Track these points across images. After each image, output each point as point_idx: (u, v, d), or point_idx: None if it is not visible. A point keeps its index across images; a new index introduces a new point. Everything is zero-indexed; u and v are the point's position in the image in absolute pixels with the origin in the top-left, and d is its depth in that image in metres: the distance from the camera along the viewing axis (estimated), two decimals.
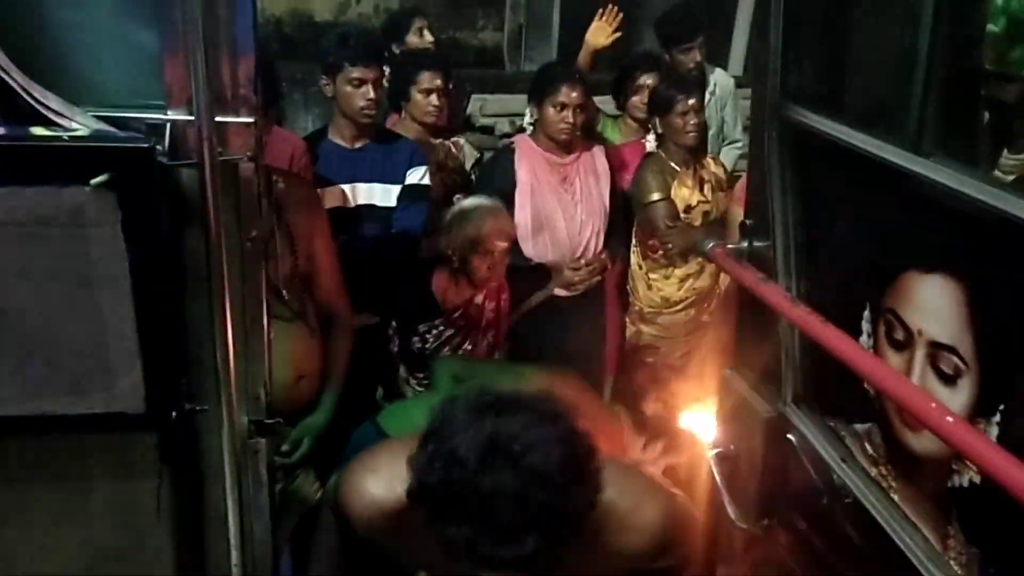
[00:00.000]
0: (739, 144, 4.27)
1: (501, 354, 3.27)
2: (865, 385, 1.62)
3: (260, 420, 1.70)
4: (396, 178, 3.15)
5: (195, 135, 1.47)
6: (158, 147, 1.45)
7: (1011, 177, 2.15)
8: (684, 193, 3.63)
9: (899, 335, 1.52)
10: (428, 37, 4.07)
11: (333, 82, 3.07)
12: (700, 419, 2.30)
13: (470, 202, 3.14)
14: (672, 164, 3.62)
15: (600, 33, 3.83)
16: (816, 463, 1.75)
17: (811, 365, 1.84)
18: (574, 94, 3.36)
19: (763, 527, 1.89)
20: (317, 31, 4.99)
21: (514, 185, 3.41)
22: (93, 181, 1.38)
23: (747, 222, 1.89)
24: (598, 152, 3.61)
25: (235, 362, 1.59)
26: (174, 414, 1.56)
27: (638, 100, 3.77)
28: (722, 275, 3.49)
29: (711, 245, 1.91)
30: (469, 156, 3.75)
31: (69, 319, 1.47)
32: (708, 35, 4.18)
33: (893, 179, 1.47)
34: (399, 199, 3.14)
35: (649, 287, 3.73)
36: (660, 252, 3.67)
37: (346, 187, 3.09)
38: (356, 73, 3.02)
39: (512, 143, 3.60)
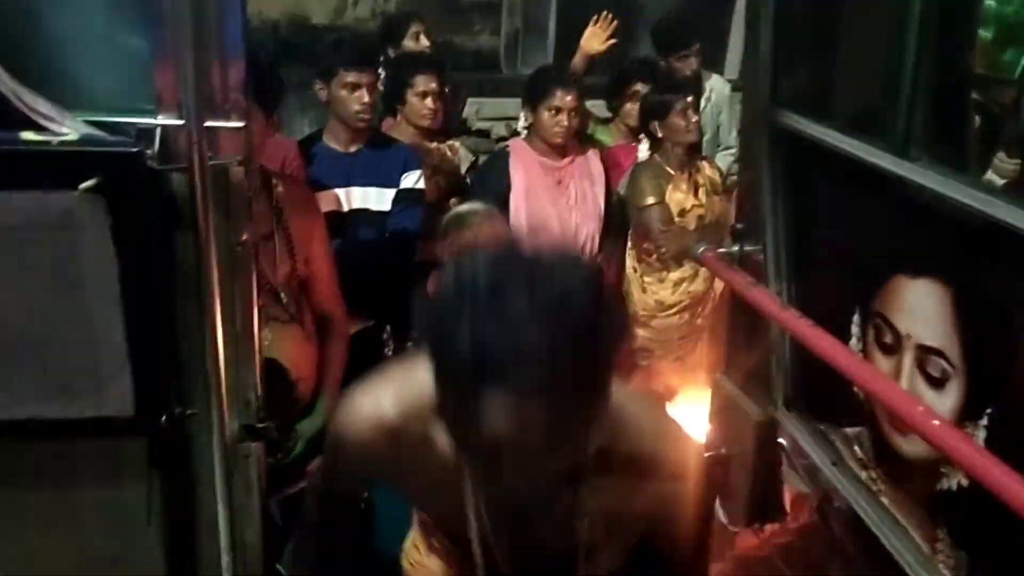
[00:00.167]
0: (733, 150, 4.28)
1: None
2: (854, 389, 1.62)
3: (251, 424, 1.70)
4: (391, 182, 3.15)
5: (185, 139, 1.47)
6: (148, 151, 1.45)
7: (1004, 181, 2.15)
8: (679, 197, 3.63)
9: (888, 339, 1.52)
10: (424, 41, 4.07)
11: (327, 86, 3.08)
12: (692, 422, 2.31)
13: (466, 207, 3.14)
14: (667, 168, 3.62)
15: (595, 39, 3.84)
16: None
17: (801, 369, 1.85)
18: (568, 98, 3.36)
19: (754, 530, 1.89)
20: (314, 35, 4.99)
21: (509, 189, 3.41)
22: (82, 185, 1.38)
23: (738, 226, 1.90)
24: (592, 156, 3.62)
25: (225, 366, 1.59)
26: (164, 418, 1.56)
27: (631, 107, 3.78)
28: (716, 279, 3.49)
29: (702, 249, 1.92)
30: (464, 160, 3.75)
31: (58, 323, 1.47)
32: (704, 42, 4.19)
33: (881, 183, 1.48)
34: (394, 203, 3.15)
35: (644, 290, 3.73)
36: (654, 256, 3.67)
37: (341, 191, 3.09)
38: (350, 77, 3.02)
39: (507, 147, 3.61)
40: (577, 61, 3.86)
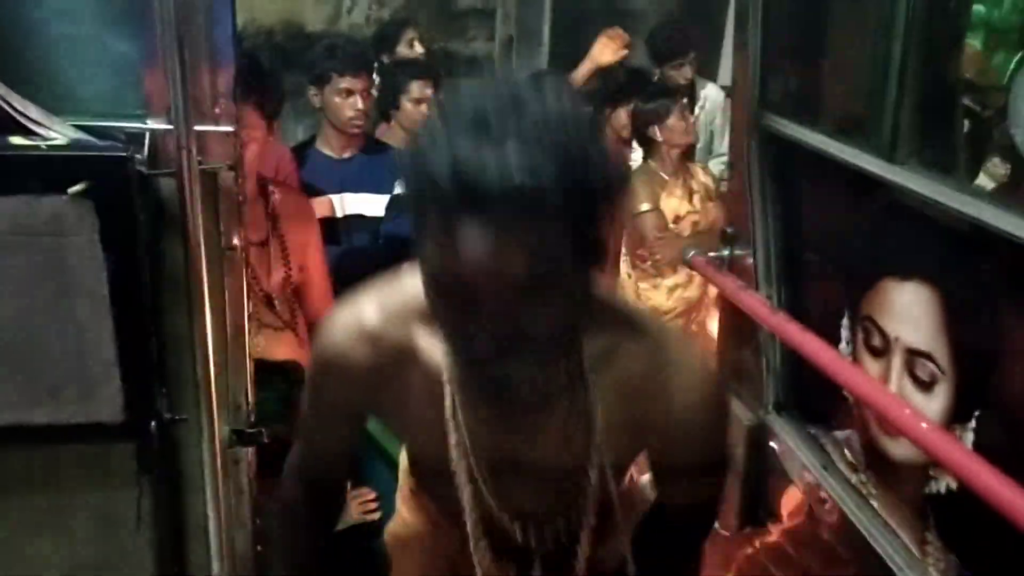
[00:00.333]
0: (725, 157, 4.30)
1: None
2: (844, 392, 1.62)
3: (241, 429, 1.70)
4: (385, 188, 3.15)
5: (174, 144, 1.47)
6: (137, 156, 1.45)
7: (995, 185, 2.16)
8: (673, 203, 3.64)
9: (876, 342, 1.53)
10: (419, 48, 4.08)
11: (321, 93, 3.08)
12: None
13: None
14: (661, 174, 3.63)
15: (607, 50, 3.83)
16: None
17: (792, 372, 1.85)
18: None
19: (746, 534, 1.89)
20: (309, 41, 5.00)
21: None
22: (71, 190, 1.38)
23: (728, 230, 1.90)
24: None
25: (216, 371, 1.59)
26: (153, 424, 1.55)
27: (623, 116, 3.80)
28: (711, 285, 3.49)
29: (692, 253, 1.92)
30: None
31: (46, 328, 1.47)
32: (698, 49, 4.20)
33: (869, 187, 1.48)
34: (388, 209, 3.15)
35: (638, 296, 3.73)
36: (649, 262, 3.68)
37: (335, 197, 3.09)
38: (344, 83, 3.03)
39: None
40: (582, 71, 3.86)
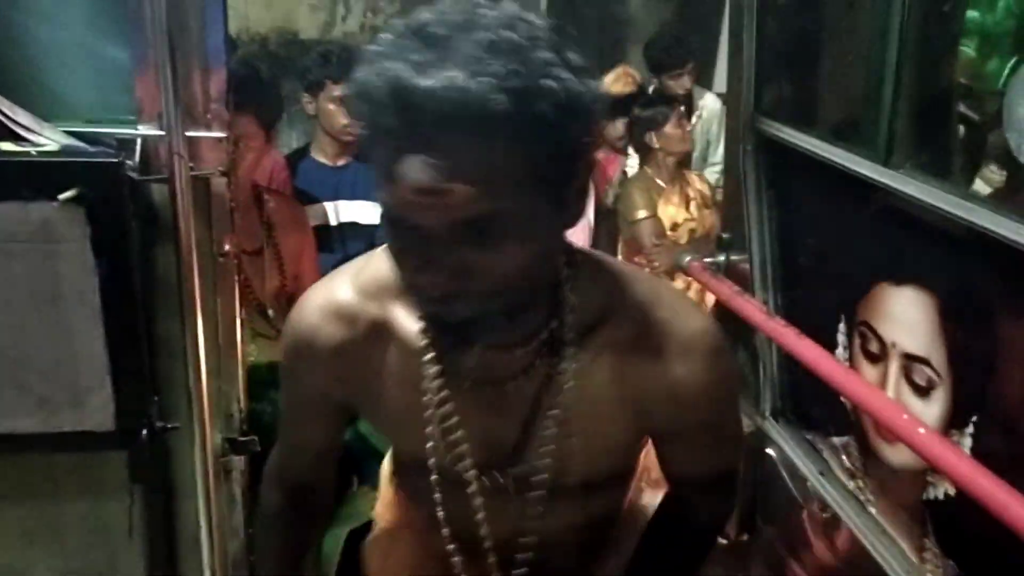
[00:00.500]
0: (721, 165, 4.30)
1: None
2: (842, 398, 1.61)
3: (234, 438, 1.69)
4: None
5: (166, 150, 1.46)
6: (128, 162, 1.44)
7: (991, 190, 2.15)
8: (670, 211, 3.64)
9: (873, 347, 1.52)
10: None
11: (315, 100, 3.07)
12: None
13: None
14: (658, 181, 3.63)
15: (619, 83, 3.85)
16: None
17: (789, 378, 1.84)
18: None
19: (743, 542, 1.88)
20: (303, 48, 5.00)
21: None
22: (61, 196, 1.38)
23: (723, 236, 1.90)
24: None
25: (208, 379, 1.58)
26: (145, 432, 1.54)
27: (616, 125, 3.80)
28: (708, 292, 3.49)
29: (688, 259, 1.91)
30: None
31: (37, 336, 1.46)
32: (698, 60, 4.20)
33: (865, 192, 1.48)
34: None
35: None
36: (647, 269, 3.67)
37: (329, 205, 3.08)
38: (339, 91, 3.02)
39: None
40: None
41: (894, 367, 1.47)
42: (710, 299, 3.56)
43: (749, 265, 1.82)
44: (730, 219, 1.90)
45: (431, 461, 1.05)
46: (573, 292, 0.96)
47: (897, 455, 1.51)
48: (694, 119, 4.02)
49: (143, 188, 1.48)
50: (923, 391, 1.41)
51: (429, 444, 1.03)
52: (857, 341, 1.57)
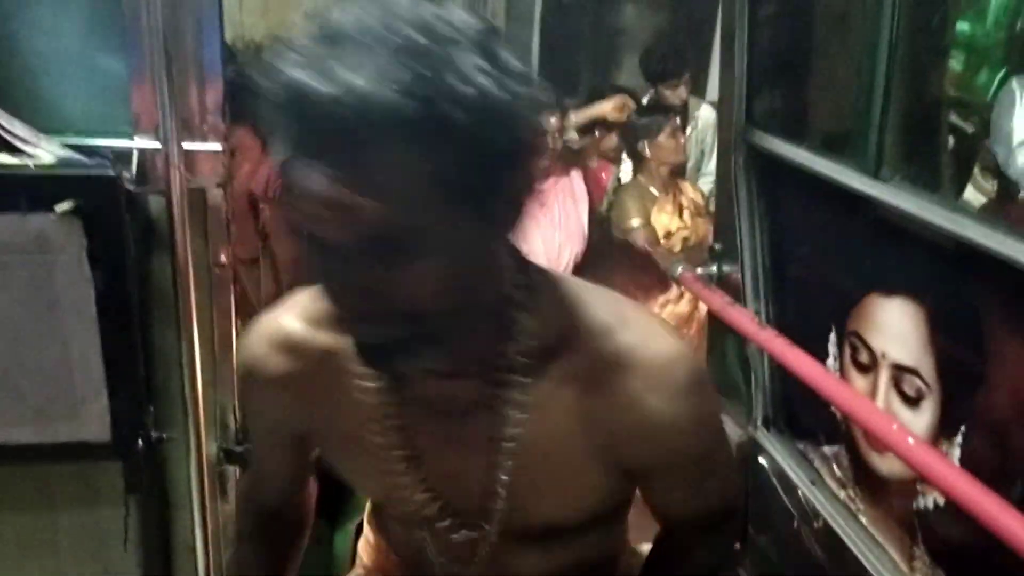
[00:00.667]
0: (714, 176, 4.32)
1: None
2: (833, 408, 1.63)
3: (229, 448, 1.69)
4: None
5: (163, 162, 1.47)
6: (125, 174, 1.45)
7: (983, 201, 2.17)
8: (664, 219, 3.65)
9: (863, 358, 1.53)
10: None
11: None
12: None
13: None
14: (651, 190, 3.65)
15: (616, 111, 3.86)
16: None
17: (780, 388, 1.85)
18: (552, 119, 3.39)
19: (736, 551, 1.89)
20: None
21: None
22: (58, 208, 1.39)
23: (716, 246, 1.91)
24: (575, 176, 3.64)
25: (203, 390, 1.59)
26: (140, 442, 1.55)
27: (615, 137, 3.82)
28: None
29: (680, 269, 1.93)
30: None
31: (34, 347, 1.47)
32: (694, 70, 4.22)
33: (854, 203, 1.49)
34: None
35: None
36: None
37: None
38: None
39: None
40: (584, 116, 3.88)
41: (884, 377, 1.49)
42: (703, 309, 3.58)
43: (741, 275, 1.83)
44: (722, 230, 1.91)
45: (387, 501, 0.99)
46: (527, 314, 0.87)
47: (887, 465, 1.52)
48: (689, 129, 4.04)
49: (139, 200, 1.49)
50: (912, 401, 1.42)
51: (385, 482, 0.96)
52: (848, 351, 1.58)
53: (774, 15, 1.77)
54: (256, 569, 1.16)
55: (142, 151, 1.50)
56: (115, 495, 1.62)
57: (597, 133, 3.91)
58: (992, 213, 1.92)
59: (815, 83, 1.74)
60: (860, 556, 1.56)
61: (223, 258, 1.59)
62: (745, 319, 1.75)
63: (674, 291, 3.69)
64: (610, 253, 3.75)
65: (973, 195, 2.07)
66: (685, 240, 3.67)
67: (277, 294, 2.40)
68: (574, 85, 4.69)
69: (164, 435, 1.58)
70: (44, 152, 1.40)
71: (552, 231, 3.51)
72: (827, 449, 1.71)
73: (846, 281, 1.59)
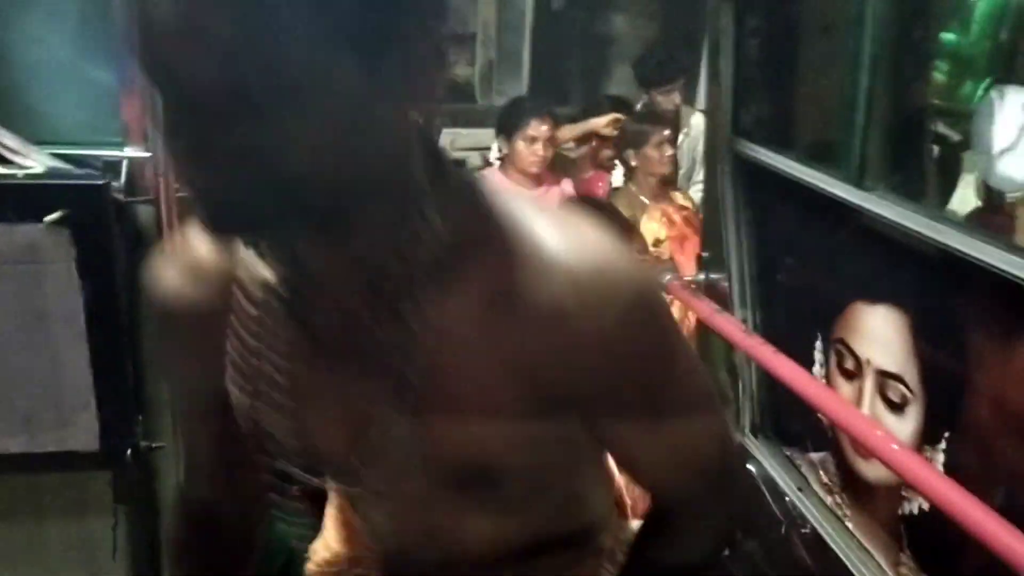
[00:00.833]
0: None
1: None
2: (819, 414, 1.64)
3: None
4: None
5: (152, 171, 1.48)
6: (114, 184, 1.46)
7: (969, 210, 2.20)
8: (653, 227, 3.67)
9: (849, 364, 1.55)
10: None
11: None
12: None
13: None
14: (641, 198, 3.66)
15: (608, 127, 3.88)
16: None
17: (768, 395, 1.87)
18: (544, 127, 3.41)
19: (724, 557, 1.89)
20: None
21: None
22: (47, 218, 1.39)
23: (703, 254, 1.93)
24: (567, 184, 3.66)
25: None
26: (129, 452, 1.55)
27: (603, 142, 3.84)
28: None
29: (668, 277, 1.94)
30: None
31: (23, 357, 1.47)
32: (688, 77, 4.25)
33: (839, 212, 1.51)
34: None
35: None
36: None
37: None
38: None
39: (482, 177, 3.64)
40: (576, 131, 3.90)
41: (869, 384, 1.50)
42: (691, 317, 3.60)
43: (728, 283, 1.85)
44: (709, 238, 1.93)
45: (287, 453, 0.83)
46: (436, 211, 0.71)
47: (873, 471, 1.53)
48: (681, 137, 4.06)
49: (129, 209, 1.50)
50: (897, 407, 1.44)
51: (279, 426, 0.80)
52: (833, 358, 1.60)
53: (760, 27, 1.79)
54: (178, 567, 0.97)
55: (131, 161, 1.50)
56: (104, 504, 1.62)
57: (594, 143, 3.93)
58: (979, 219, 1.94)
59: (800, 94, 1.76)
60: (847, 561, 1.57)
61: None
62: (732, 327, 1.77)
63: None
64: None
65: (973, 200, 2.09)
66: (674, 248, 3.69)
67: None
68: (565, 94, 4.72)
69: (153, 444, 1.58)
70: (34, 162, 1.41)
71: None
72: (814, 455, 1.72)
73: (831, 289, 1.60)
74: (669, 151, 3.58)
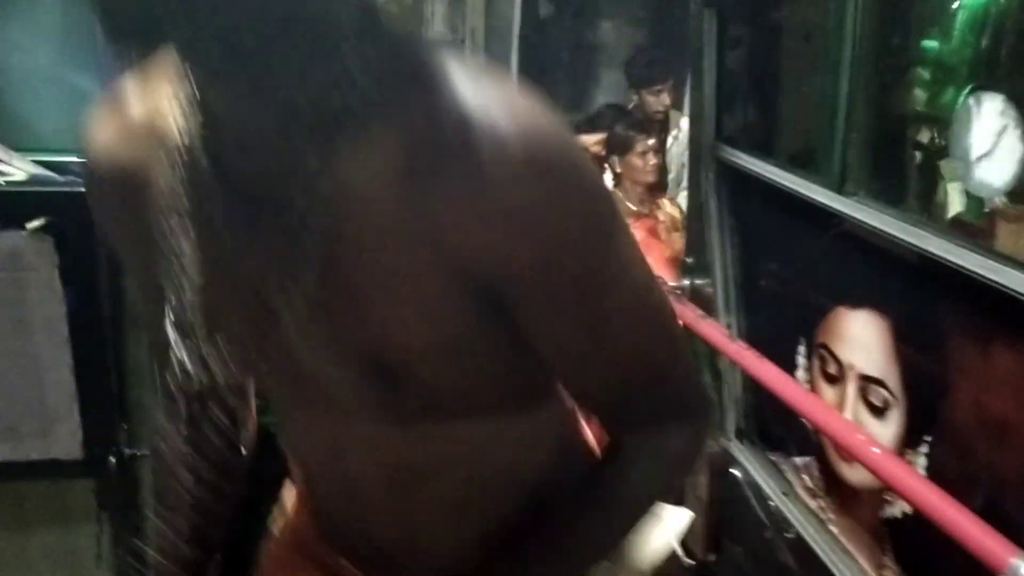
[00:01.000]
0: None
1: None
2: (803, 419, 1.65)
3: None
4: None
5: None
6: None
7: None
8: (639, 233, 3.68)
9: (831, 369, 1.56)
10: None
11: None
12: None
13: None
14: (628, 204, 3.67)
15: (601, 145, 3.90)
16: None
17: (752, 400, 1.88)
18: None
19: (710, 562, 1.90)
20: None
21: None
22: (30, 225, 1.39)
23: (688, 260, 1.94)
24: None
25: None
26: (113, 460, 1.55)
27: (599, 150, 3.86)
28: None
29: None
30: None
31: (5, 364, 1.47)
32: (677, 78, 4.27)
33: (821, 218, 1.52)
34: None
35: None
36: None
37: None
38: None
39: None
40: None
41: (851, 388, 1.51)
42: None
43: (712, 289, 1.86)
44: (694, 244, 1.94)
45: (198, 335, 0.71)
46: (356, 63, 0.63)
47: (856, 475, 1.54)
48: (670, 140, 4.06)
49: None
50: (879, 411, 1.45)
51: (188, 304, 0.71)
52: (816, 363, 1.61)
53: (742, 35, 1.80)
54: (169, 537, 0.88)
55: None
56: (88, 512, 1.62)
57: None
58: (965, 226, 1.96)
59: (782, 100, 1.77)
60: (831, 565, 1.57)
61: None
62: (716, 332, 1.78)
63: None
64: None
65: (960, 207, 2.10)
66: (661, 254, 3.70)
67: None
68: (553, 101, 4.72)
69: (137, 452, 1.58)
70: (16, 170, 1.41)
71: None
72: (798, 460, 1.73)
73: (814, 294, 1.61)
74: (653, 160, 3.59)
